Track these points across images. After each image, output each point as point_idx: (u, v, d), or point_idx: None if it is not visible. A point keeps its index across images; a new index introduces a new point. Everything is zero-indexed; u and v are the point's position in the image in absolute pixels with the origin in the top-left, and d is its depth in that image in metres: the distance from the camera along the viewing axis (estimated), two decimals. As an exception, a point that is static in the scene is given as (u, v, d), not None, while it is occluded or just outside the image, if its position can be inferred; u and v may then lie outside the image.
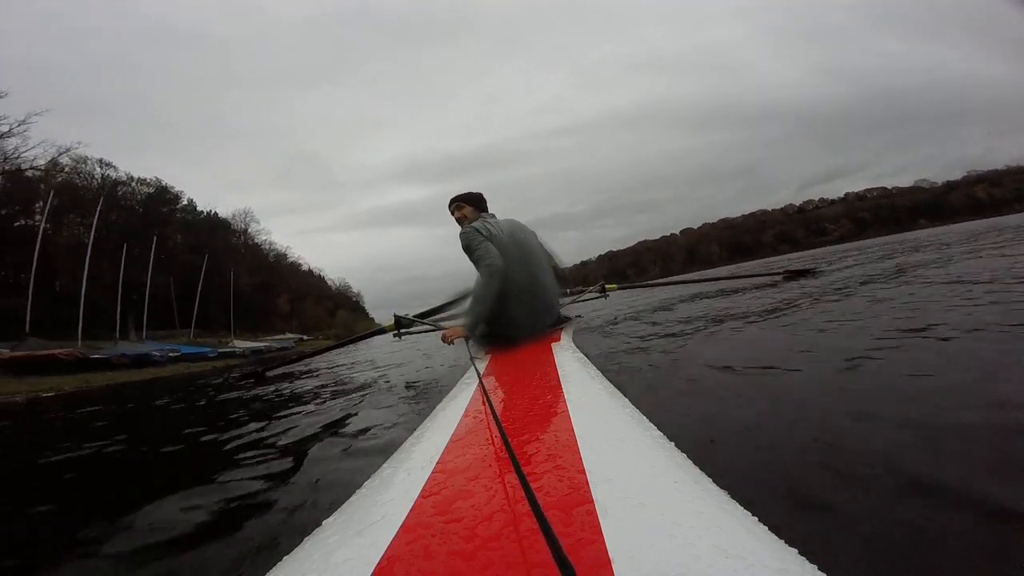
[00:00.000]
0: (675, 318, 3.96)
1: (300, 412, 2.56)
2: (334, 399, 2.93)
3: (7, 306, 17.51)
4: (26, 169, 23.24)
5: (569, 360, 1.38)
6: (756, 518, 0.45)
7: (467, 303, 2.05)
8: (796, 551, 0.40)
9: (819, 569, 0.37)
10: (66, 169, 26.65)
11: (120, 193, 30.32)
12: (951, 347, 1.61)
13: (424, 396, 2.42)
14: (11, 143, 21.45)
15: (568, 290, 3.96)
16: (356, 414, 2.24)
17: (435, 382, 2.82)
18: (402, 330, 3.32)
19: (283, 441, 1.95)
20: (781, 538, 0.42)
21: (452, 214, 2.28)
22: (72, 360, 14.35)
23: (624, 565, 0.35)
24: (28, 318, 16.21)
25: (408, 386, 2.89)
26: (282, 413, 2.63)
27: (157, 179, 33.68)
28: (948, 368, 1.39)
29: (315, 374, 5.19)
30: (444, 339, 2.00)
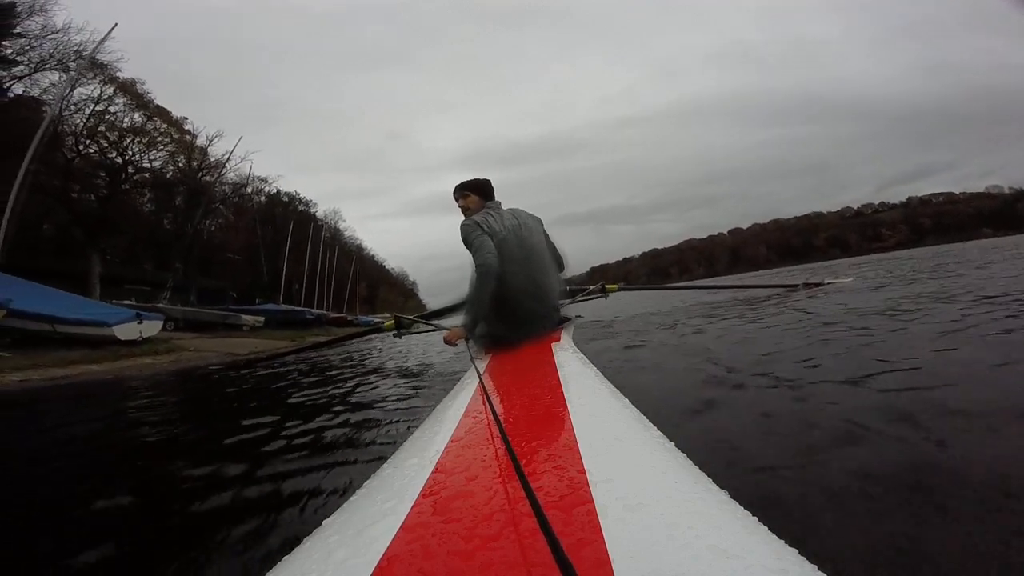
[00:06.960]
0: (674, 319, 3.96)
1: (300, 411, 2.56)
2: (334, 398, 2.93)
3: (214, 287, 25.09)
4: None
5: (569, 360, 1.38)
6: (756, 518, 0.45)
7: (465, 304, 2.03)
8: (796, 551, 0.39)
9: (819, 569, 0.37)
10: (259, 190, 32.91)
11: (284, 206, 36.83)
12: (963, 349, 1.61)
13: (424, 396, 2.42)
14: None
15: (569, 288, 3.96)
16: (356, 414, 2.24)
17: (435, 382, 2.81)
18: (402, 330, 3.35)
19: (282, 440, 1.95)
20: (781, 538, 0.41)
21: (456, 202, 2.14)
22: (346, 321, 22.13)
23: (624, 565, 0.35)
24: (281, 294, 24.78)
25: (408, 386, 2.89)
26: (281, 413, 2.63)
27: (296, 191, 40.40)
28: (952, 369, 1.39)
29: (315, 372, 5.18)
30: (446, 341, 2.00)
